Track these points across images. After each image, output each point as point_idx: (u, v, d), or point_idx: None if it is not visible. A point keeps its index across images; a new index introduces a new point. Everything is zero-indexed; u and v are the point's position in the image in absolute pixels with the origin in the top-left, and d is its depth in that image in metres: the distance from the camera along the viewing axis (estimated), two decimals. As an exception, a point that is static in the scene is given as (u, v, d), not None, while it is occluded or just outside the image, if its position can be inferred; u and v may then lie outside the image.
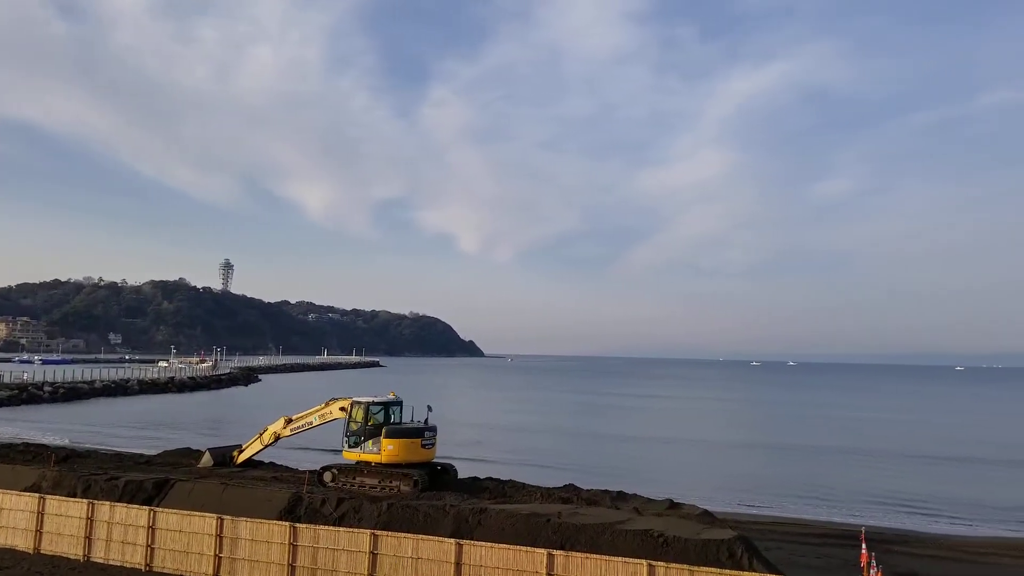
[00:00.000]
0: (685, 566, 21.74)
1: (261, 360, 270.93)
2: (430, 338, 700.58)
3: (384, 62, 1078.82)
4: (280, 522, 26.77)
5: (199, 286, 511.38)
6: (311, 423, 37.46)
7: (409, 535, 24.93)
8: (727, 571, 21.49)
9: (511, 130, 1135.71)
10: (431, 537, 24.68)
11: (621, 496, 34.23)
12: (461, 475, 37.16)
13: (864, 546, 30.82)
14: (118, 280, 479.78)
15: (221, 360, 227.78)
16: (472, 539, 25.10)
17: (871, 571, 25.11)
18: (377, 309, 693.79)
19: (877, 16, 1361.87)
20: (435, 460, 35.65)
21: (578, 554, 22.82)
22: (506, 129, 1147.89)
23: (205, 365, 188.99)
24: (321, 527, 25.99)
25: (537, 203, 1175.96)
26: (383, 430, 33.95)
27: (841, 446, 77.19)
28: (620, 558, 22.38)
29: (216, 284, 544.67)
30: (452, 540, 24.14)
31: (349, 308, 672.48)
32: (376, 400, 35.46)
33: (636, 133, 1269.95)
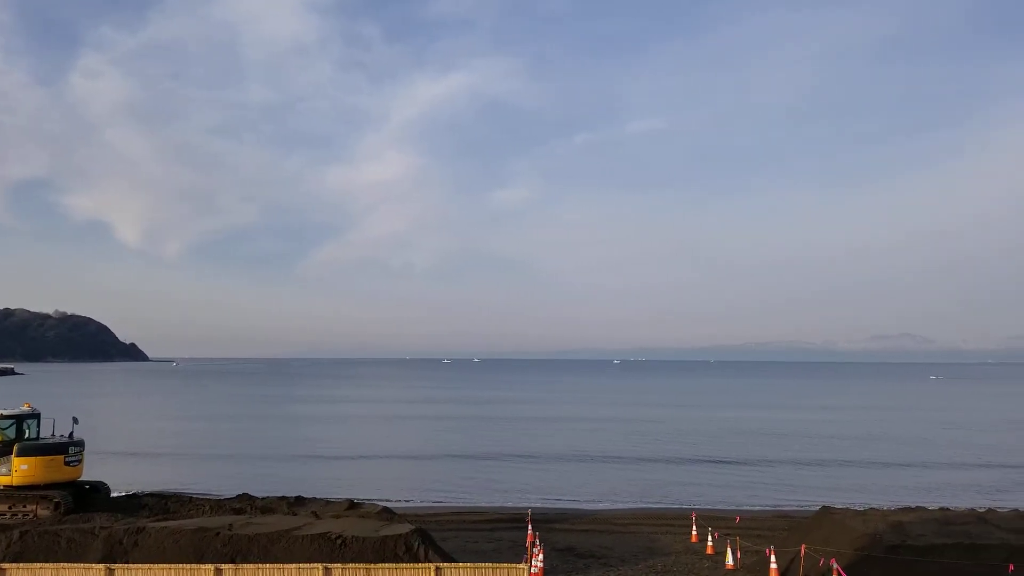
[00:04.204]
0: (362, 565, 21.80)
1: None
2: (81, 341, 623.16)
3: (22, 20, 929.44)
4: None
5: None
6: (-86, 444, 31.21)
7: (47, 565, 21.84)
8: (403, 565, 21.93)
9: (181, 112, 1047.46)
10: (75, 565, 21.80)
11: (299, 501, 33.52)
12: (116, 493, 34.03)
13: (530, 527, 33.46)
14: None
15: None
16: (128, 563, 22.63)
17: (535, 549, 27.20)
18: (12, 307, 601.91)
19: (547, 42, 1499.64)
20: (83, 479, 32.21)
21: (249, 566, 21.69)
22: (175, 110, 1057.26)
23: None
24: (-75, 569, 21.59)
25: (211, 193, 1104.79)
26: (15, 447, 29.96)
27: (517, 442, 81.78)
28: (295, 565, 21.71)
29: None
30: (102, 566, 21.51)
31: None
32: (5, 413, 31.25)
33: (320, 128, 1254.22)
